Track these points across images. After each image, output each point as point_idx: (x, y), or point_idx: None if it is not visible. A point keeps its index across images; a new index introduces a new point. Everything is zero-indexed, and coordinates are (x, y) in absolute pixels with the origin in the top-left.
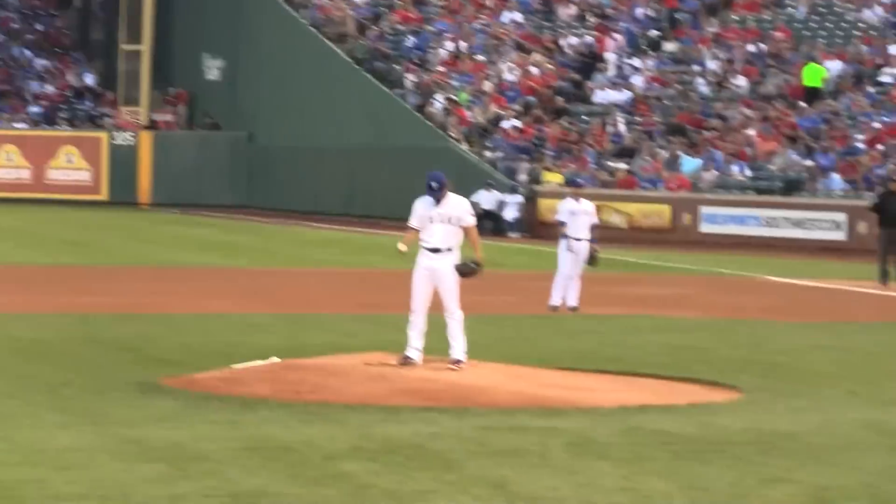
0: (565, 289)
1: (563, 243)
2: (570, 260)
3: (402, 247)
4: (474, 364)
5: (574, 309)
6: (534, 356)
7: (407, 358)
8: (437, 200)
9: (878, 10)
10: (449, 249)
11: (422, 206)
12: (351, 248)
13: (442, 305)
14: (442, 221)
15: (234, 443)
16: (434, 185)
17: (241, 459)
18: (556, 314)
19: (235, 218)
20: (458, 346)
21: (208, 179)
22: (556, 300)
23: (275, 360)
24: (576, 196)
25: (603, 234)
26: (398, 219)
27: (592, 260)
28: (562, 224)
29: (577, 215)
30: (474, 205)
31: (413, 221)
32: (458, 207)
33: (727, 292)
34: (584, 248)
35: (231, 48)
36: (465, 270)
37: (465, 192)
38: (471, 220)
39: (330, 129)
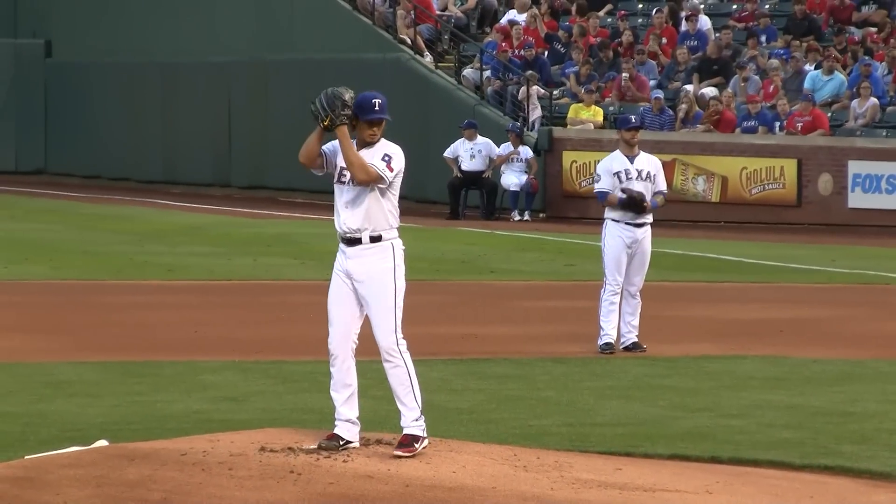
0: (620, 314)
1: (607, 232)
2: (621, 261)
3: None
4: (451, 446)
5: (634, 348)
6: (558, 431)
7: (336, 438)
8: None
9: None
10: (375, 239)
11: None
12: (228, 243)
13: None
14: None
15: None
16: (379, 101)
17: None
18: (610, 357)
19: (27, 190)
20: (410, 409)
21: None
22: (609, 334)
23: (102, 443)
24: (629, 145)
25: (680, 212)
26: (309, 191)
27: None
28: (602, 197)
29: (631, 181)
30: (448, 163)
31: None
32: (379, 152)
33: None
34: (645, 237)
35: None
36: None
37: (431, 139)
38: (380, 167)
39: (189, 34)
